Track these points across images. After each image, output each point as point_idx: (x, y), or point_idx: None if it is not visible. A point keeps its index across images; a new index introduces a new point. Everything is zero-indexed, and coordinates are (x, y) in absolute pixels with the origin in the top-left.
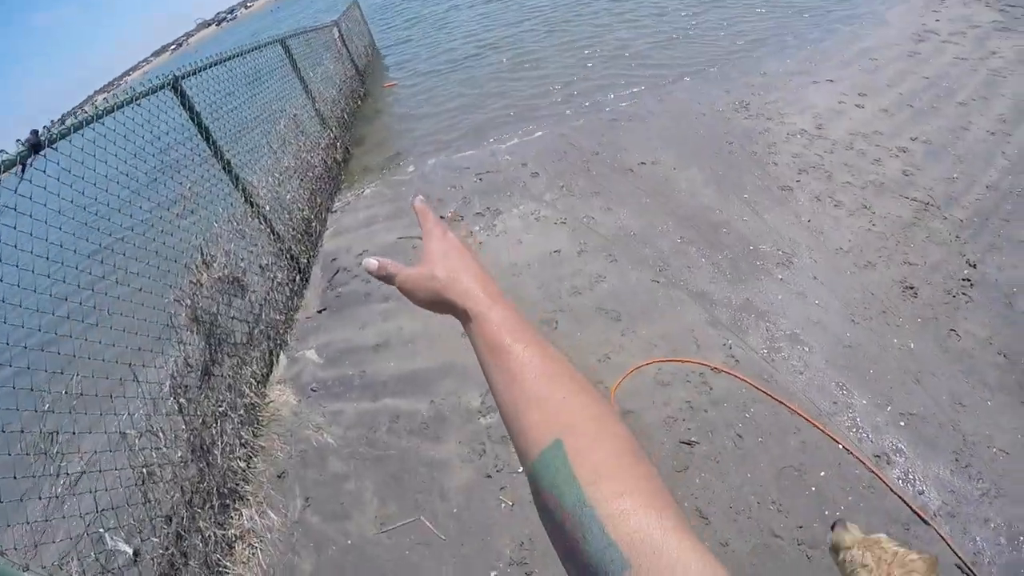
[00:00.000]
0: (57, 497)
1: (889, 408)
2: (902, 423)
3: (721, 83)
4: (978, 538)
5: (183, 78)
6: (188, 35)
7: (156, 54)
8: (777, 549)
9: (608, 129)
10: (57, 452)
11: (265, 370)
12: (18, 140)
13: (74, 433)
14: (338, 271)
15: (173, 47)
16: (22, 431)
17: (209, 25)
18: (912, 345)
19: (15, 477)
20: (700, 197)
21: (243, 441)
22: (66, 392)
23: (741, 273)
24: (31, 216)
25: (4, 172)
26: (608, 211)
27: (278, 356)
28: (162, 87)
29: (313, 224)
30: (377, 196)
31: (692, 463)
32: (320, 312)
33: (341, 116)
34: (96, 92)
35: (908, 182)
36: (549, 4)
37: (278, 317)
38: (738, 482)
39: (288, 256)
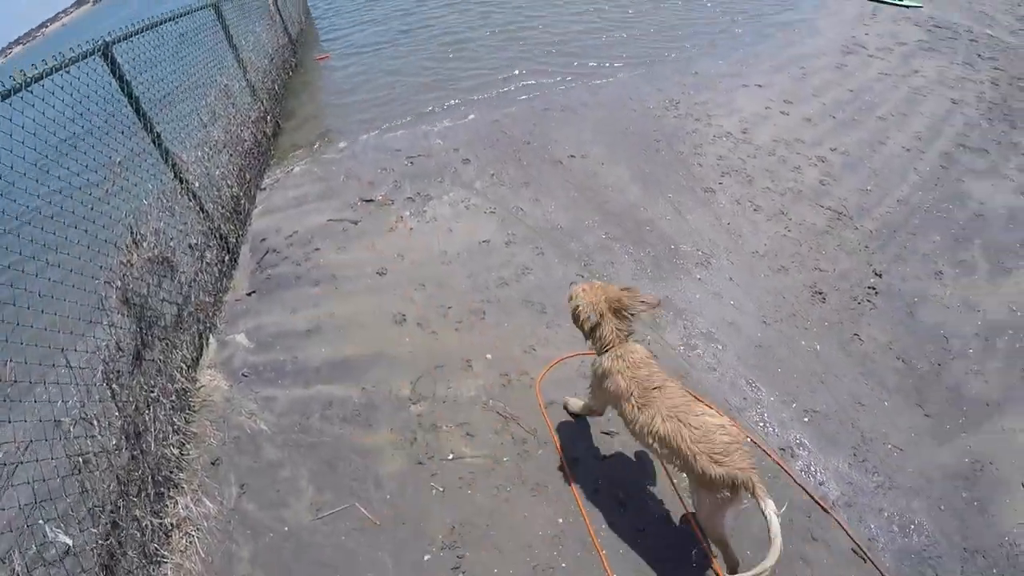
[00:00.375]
0: None
1: (794, 405)
2: (806, 419)
3: (654, 80)
4: (872, 526)
5: (114, 43)
6: None
7: (77, 3)
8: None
9: (540, 118)
10: None
11: (195, 354)
12: None
13: (9, 421)
14: (267, 252)
15: None
16: None
17: None
18: (818, 347)
19: None
20: (627, 194)
21: (176, 428)
22: None
23: (662, 271)
24: None
25: None
26: (536, 202)
27: (208, 340)
28: (92, 53)
29: (242, 202)
30: (307, 174)
31: (614, 450)
32: (250, 295)
33: (272, 88)
34: (13, 43)
35: (824, 191)
36: None
37: (207, 299)
38: (653, 470)
39: (217, 235)
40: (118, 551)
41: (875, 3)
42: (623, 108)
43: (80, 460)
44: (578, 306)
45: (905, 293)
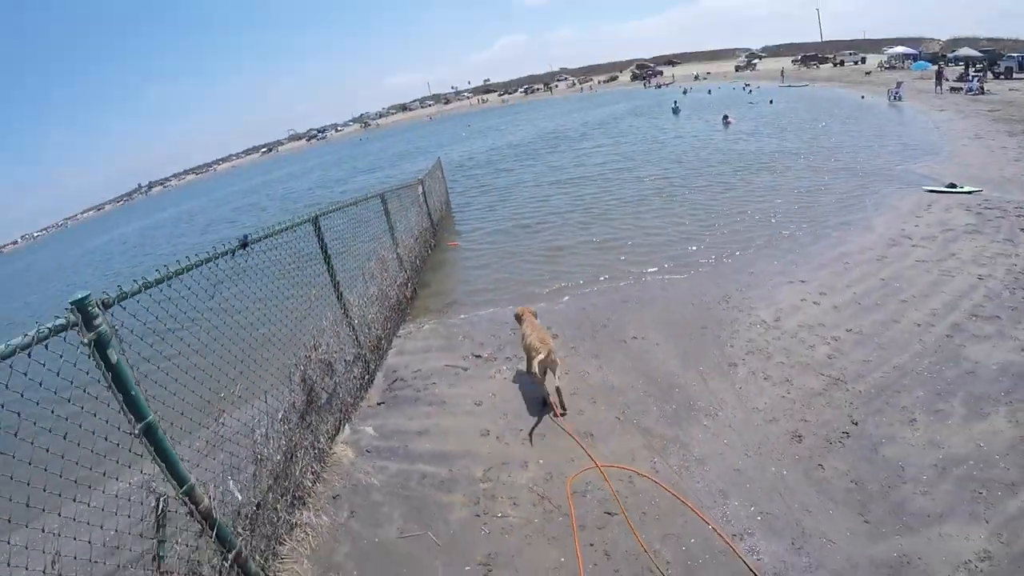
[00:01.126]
0: (209, 443)
1: (752, 508)
2: (759, 518)
3: (716, 279)
4: None
5: (321, 216)
6: (279, 142)
7: (247, 152)
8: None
9: (618, 308)
10: (219, 420)
11: (335, 432)
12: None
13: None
14: (396, 379)
15: (264, 150)
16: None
17: (300, 139)
18: (784, 473)
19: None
20: (668, 366)
21: (313, 470)
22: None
23: (679, 418)
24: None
25: (230, 254)
26: (599, 369)
27: (344, 426)
28: (306, 221)
29: (382, 341)
30: (433, 332)
31: (609, 525)
32: (379, 404)
33: (414, 261)
34: (185, 171)
35: (829, 363)
36: (593, 199)
37: (349, 399)
38: (637, 541)
39: (363, 360)
40: (260, 521)
41: (933, 192)
42: (685, 301)
43: (257, 456)
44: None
45: (875, 436)
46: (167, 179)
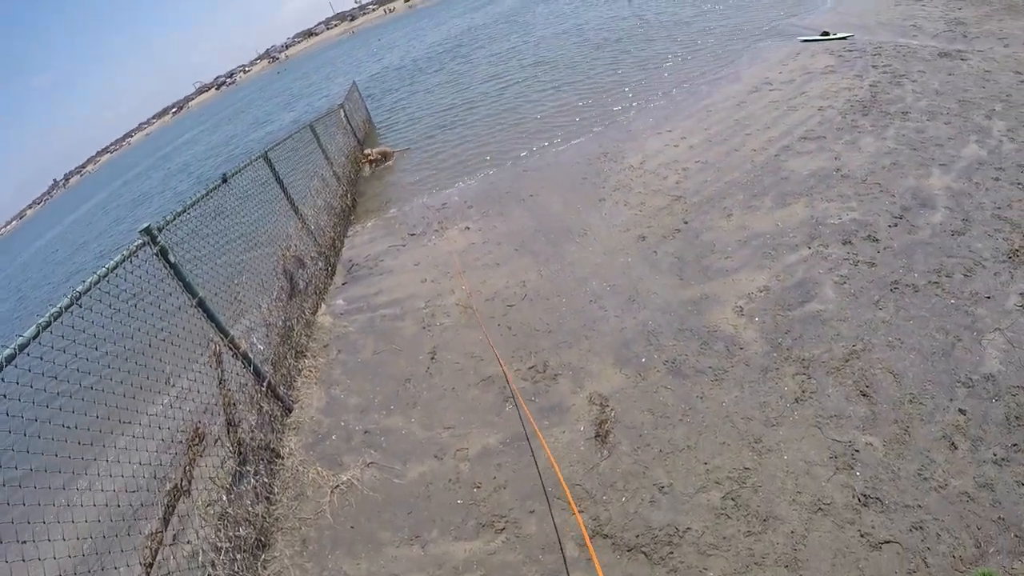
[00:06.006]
0: (235, 314)
1: (605, 284)
2: (608, 288)
3: (600, 140)
4: (626, 319)
5: (269, 151)
6: (188, 98)
7: (158, 116)
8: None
9: (518, 177)
10: (238, 299)
11: (315, 309)
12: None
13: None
14: (353, 264)
15: (174, 110)
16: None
17: (208, 89)
18: (629, 260)
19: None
20: (553, 209)
21: (306, 333)
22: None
23: (559, 242)
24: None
25: (214, 190)
26: (505, 222)
27: (320, 303)
28: (259, 158)
29: (336, 242)
30: (375, 227)
31: (510, 313)
32: (343, 284)
33: (349, 175)
34: (101, 151)
35: (675, 187)
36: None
37: (321, 285)
38: (528, 319)
39: (324, 256)
40: (279, 364)
41: (807, 42)
42: (571, 163)
43: (267, 322)
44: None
45: (698, 228)
46: (83, 166)
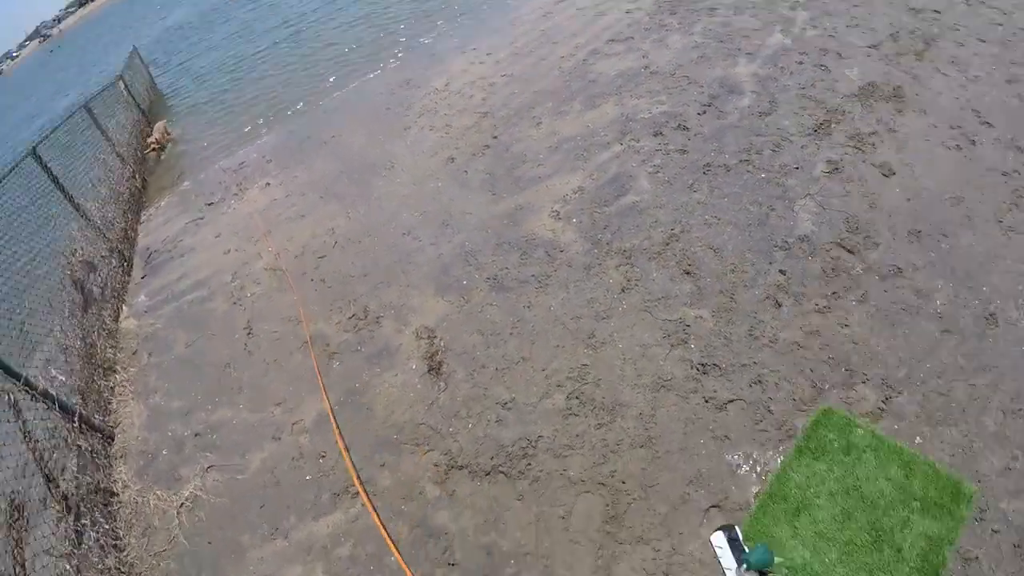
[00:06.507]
0: (25, 348)
1: (416, 213)
2: (420, 216)
3: (401, 70)
4: (447, 256)
5: (37, 145)
6: None
7: None
8: None
9: (319, 119)
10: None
11: (116, 315)
12: None
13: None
14: (151, 252)
15: None
16: None
17: None
18: (439, 184)
19: None
20: (357, 146)
21: (110, 345)
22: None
23: (365, 180)
24: None
25: None
26: (308, 170)
27: (121, 306)
28: (27, 156)
29: (129, 231)
30: (170, 204)
31: (321, 265)
32: (143, 278)
33: (135, 154)
34: None
35: (482, 104)
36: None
37: (118, 285)
38: (339, 268)
39: (118, 251)
40: (87, 390)
41: None
42: (373, 96)
43: (63, 347)
44: None
45: (508, 141)
46: None
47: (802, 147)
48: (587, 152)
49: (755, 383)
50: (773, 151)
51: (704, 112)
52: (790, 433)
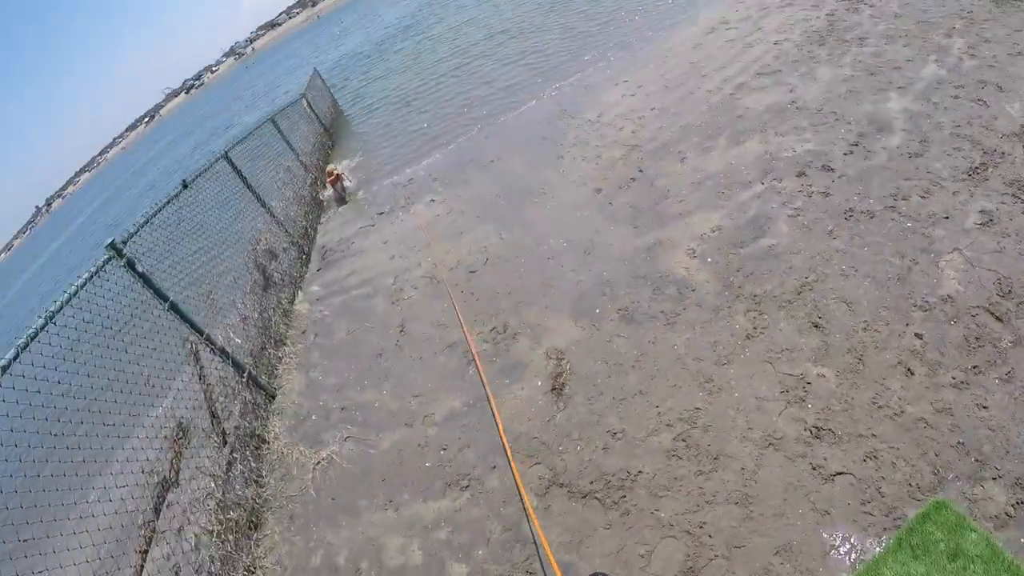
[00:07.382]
0: (211, 311)
1: (562, 240)
2: (565, 244)
3: (558, 100)
4: (588, 282)
5: (229, 150)
6: (158, 106)
7: (130, 128)
8: None
9: (480, 143)
10: (211, 298)
11: (292, 298)
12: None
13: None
14: (326, 251)
15: (146, 120)
16: None
17: (178, 94)
18: (586, 214)
19: None
20: (515, 172)
21: (285, 322)
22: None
23: (521, 205)
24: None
25: (175, 197)
26: (469, 189)
27: (297, 292)
28: (220, 159)
29: (309, 230)
30: (346, 211)
31: (472, 279)
32: (318, 271)
33: (317, 163)
34: (77, 172)
35: (631, 136)
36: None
37: (296, 274)
38: (490, 284)
39: (297, 246)
40: (260, 355)
41: None
42: (532, 125)
43: (242, 316)
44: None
45: (653, 175)
46: (63, 189)
47: (953, 193)
48: (728, 190)
49: (870, 457)
50: (922, 197)
51: (851, 152)
52: (898, 522)
